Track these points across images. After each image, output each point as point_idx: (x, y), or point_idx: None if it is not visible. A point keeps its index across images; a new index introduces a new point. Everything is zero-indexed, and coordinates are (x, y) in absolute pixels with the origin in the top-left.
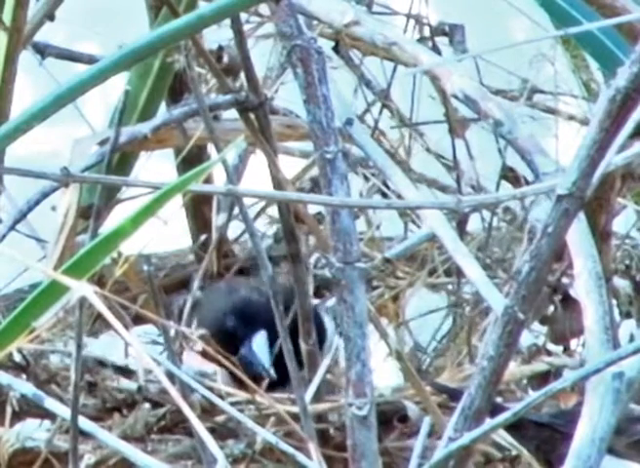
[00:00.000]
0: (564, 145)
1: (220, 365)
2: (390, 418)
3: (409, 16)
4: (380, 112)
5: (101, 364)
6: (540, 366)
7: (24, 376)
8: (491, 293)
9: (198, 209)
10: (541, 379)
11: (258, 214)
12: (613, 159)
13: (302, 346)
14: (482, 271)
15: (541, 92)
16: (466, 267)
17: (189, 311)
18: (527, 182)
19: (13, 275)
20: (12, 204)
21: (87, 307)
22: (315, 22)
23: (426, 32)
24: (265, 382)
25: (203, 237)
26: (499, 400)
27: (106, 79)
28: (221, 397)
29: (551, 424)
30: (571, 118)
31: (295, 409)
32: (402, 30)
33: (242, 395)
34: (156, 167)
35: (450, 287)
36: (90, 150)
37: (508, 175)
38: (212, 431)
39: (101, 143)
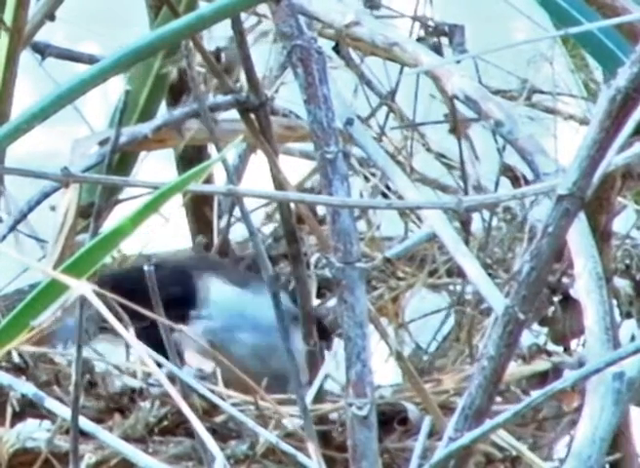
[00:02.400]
0: (562, 145)
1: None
2: (391, 419)
3: (414, 17)
4: (387, 117)
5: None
6: (539, 365)
7: (24, 376)
8: (491, 293)
9: (198, 209)
10: (541, 379)
11: (265, 221)
12: (613, 159)
13: (304, 346)
14: (482, 271)
15: (541, 92)
16: (467, 267)
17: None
18: (526, 182)
19: (13, 275)
20: (12, 204)
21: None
22: (315, 22)
23: (427, 33)
24: None
25: (202, 237)
26: (499, 400)
27: (106, 79)
28: (222, 397)
29: None
30: (570, 118)
31: (295, 409)
32: (405, 31)
33: (242, 397)
34: (156, 167)
35: (451, 287)
36: (90, 150)
37: (508, 174)
38: (213, 432)
39: (102, 143)
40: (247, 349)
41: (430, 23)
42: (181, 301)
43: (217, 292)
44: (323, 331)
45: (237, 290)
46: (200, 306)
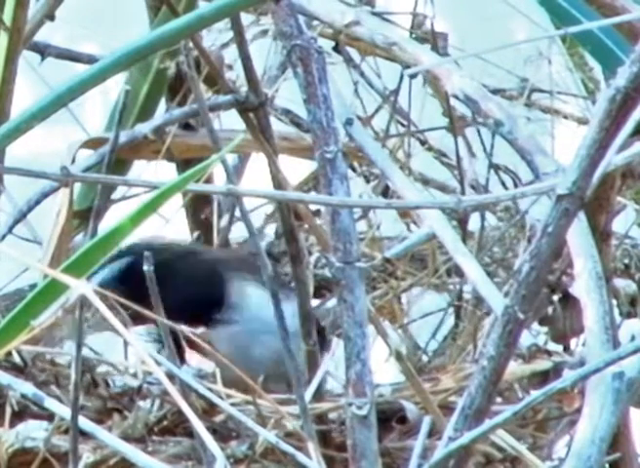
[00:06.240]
0: (560, 144)
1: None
2: (390, 418)
3: (414, 14)
4: (390, 120)
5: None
6: (540, 365)
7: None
8: (490, 293)
9: (198, 209)
10: (542, 379)
11: (264, 223)
12: (613, 159)
13: (303, 346)
14: (481, 271)
15: (540, 90)
16: (466, 267)
17: None
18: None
19: (13, 275)
20: (12, 204)
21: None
22: (316, 22)
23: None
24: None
25: (198, 234)
26: (499, 400)
27: (106, 79)
28: (221, 397)
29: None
30: (569, 117)
31: (295, 409)
32: (405, 31)
33: (241, 396)
34: (156, 167)
35: (451, 287)
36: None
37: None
38: (213, 432)
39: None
40: (268, 352)
41: (434, 23)
42: (209, 304)
43: (246, 295)
44: (320, 334)
45: (266, 294)
46: (228, 310)
